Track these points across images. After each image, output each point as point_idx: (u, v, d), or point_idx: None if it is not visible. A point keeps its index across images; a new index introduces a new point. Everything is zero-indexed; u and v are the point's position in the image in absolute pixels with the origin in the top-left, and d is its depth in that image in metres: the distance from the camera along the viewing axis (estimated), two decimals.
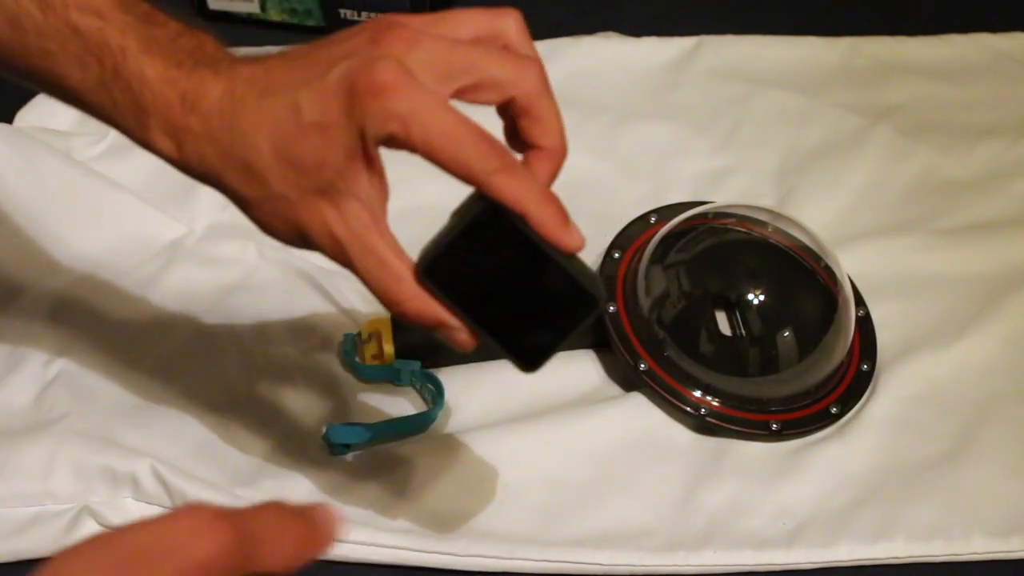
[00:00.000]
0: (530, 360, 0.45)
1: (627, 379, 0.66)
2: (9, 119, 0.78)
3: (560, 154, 0.45)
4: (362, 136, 0.40)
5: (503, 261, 0.43)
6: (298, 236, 0.43)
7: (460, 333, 0.44)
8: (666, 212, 0.71)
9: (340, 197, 0.42)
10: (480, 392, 0.65)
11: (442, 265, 0.42)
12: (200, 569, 0.27)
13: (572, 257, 0.43)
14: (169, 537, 0.28)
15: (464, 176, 0.41)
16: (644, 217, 0.72)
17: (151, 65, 0.43)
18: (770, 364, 0.65)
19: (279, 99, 0.41)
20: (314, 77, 0.41)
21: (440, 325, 0.44)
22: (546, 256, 0.42)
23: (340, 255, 0.43)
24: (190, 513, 0.29)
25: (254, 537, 0.30)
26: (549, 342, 0.45)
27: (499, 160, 0.41)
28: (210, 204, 0.75)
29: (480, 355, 0.66)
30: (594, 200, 0.76)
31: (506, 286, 0.43)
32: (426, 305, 0.43)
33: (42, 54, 0.44)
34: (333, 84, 0.40)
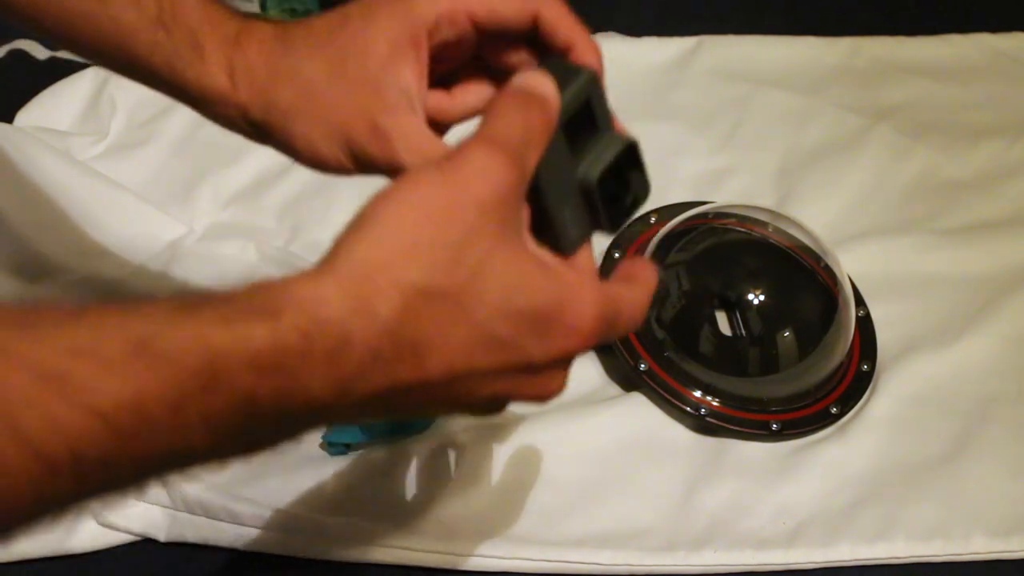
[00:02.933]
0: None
1: (627, 379, 0.66)
2: (9, 119, 0.78)
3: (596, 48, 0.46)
4: (410, 21, 0.42)
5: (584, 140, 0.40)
6: (342, 140, 0.43)
7: None
8: (666, 212, 0.71)
9: (384, 88, 0.42)
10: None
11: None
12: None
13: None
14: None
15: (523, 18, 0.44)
16: (644, 217, 0.72)
17: (209, 4, 0.45)
18: (770, 364, 0.65)
19: (330, 17, 0.44)
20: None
21: None
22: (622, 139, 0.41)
23: (384, 148, 0.43)
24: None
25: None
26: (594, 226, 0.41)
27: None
28: (210, 204, 0.75)
29: None
30: None
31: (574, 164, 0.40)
32: None
33: None
34: None
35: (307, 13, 0.91)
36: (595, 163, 0.40)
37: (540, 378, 0.37)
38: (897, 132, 0.83)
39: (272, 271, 0.71)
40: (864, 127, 0.84)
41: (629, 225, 0.71)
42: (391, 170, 0.43)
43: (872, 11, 0.97)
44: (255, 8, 0.92)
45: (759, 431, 0.63)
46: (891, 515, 0.60)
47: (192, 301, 0.32)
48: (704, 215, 0.69)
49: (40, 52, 0.88)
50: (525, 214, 0.38)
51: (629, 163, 0.41)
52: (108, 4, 0.45)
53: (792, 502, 0.60)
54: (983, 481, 0.61)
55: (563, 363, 0.37)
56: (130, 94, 0.82)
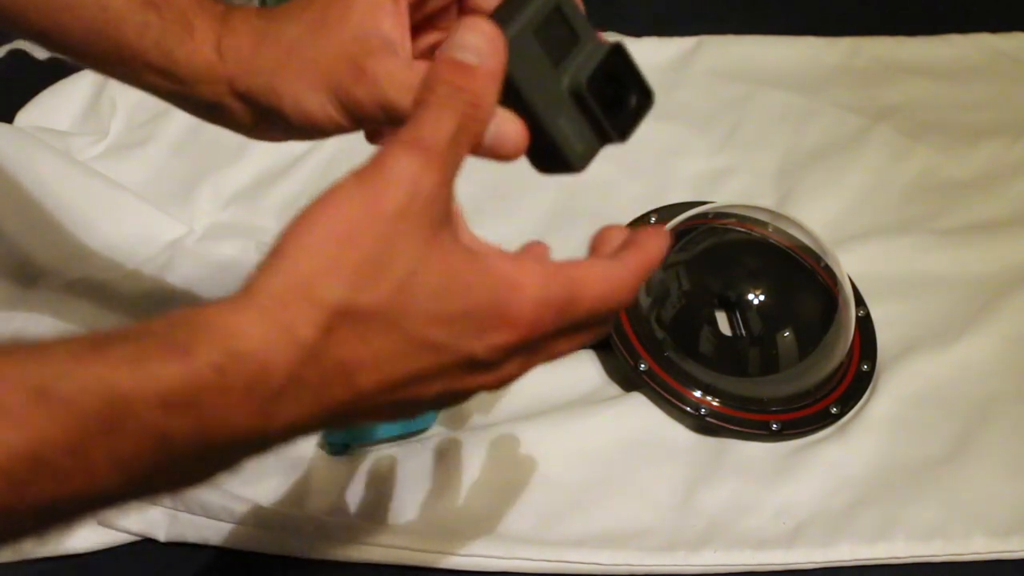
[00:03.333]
0: (576, 160, 0.40)
1: (627, 379, 0.66)
2: (9, 119, 0.78)
3: None
4: None
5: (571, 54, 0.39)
6: (329, 90, 0.43)
7: (509, 123, 0.39)
8: (666, 212, 0.71)
9: (366, 37, 0.43)
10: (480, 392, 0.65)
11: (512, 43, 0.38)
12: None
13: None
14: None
15: None
16: (644, 217, 0.72)
17: None
18: (770, 364, 0.65)
19: None
20: None
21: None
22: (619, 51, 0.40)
23: (372, 89, 0.42)
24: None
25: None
26: (597, 143, 0.41)
27: None
28: (210, 204, 0.75)
29: None
30: (594, 200, 0.76)
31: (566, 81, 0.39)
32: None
33: None
34: None
35: None
36: (581, 69, 0.39)
37: (491, 371, 0.36)
38: (897, 132, 0.83)
39: None
40: (864, 127, 0.84)
41: (629, 225, 0.71)
42: (384, 112, 0.43)
43: (872, 11, 0.97)
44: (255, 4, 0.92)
45: (759, 431, 0.63)
46: (891, 515, 0.60)
47: (102, 338, 0.30)
48: (704, 215, 0.69)
49: (40, 52, 0.88)
50: (456, 207, 0.38)
51: (621, 69, 0.40)
52: None
53: (792, 502, 0.60)
54: (983, 481, 0.61)
55: (514, 352, 0.36)
56: (130, 94, 0.82)
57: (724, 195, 0.78)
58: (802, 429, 0.64)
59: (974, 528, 0.59)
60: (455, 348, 0.34)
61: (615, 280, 0.38)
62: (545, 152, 0.39)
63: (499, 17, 0.38)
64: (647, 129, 0.89)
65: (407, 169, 0.33)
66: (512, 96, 0.37)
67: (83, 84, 0.82)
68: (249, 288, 0.32)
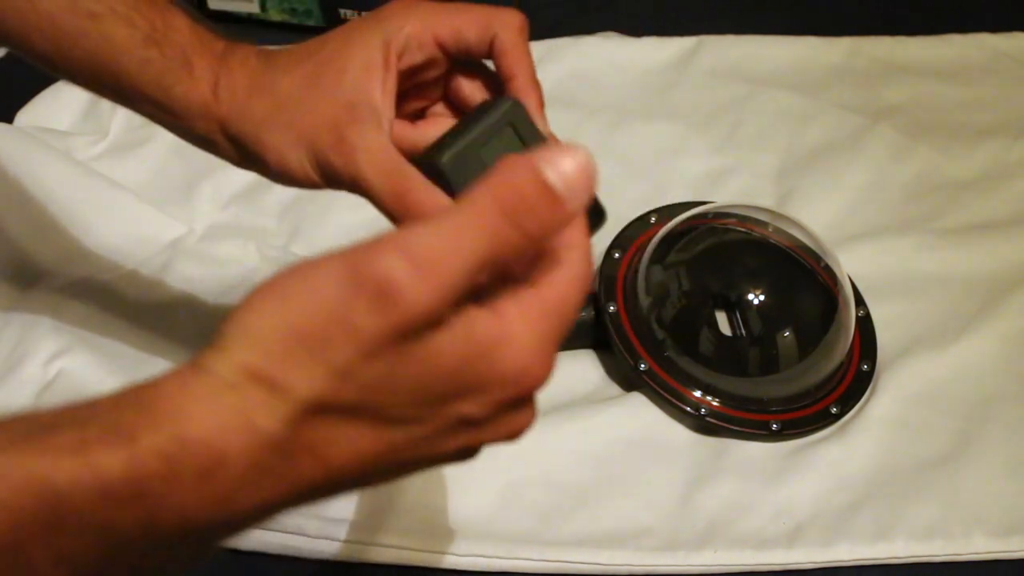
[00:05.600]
0: None
1: (627, 379, 0.66)
2: (9, 119, 0.78)
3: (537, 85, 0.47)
4: (383, 41, 0.45)
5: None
6: (309, 151, 0.45)
7: None
8: (666, 212, 0.71)
9: (354, 104, 0.44)
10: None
11: (453, 159, 0.41)
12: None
13: None
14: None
15: (482, 47, 0.46)
16: (644, 217, 0.72)
17: (197, 23, 0.48)
18: (770, 364, 0.65)
19: (310, 41, 0.47)
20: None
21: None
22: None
23: (347, 160, 0.44)
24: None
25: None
26: None
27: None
28: (210, 204, 0.75)
29: None
30: None
31: None
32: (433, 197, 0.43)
33: (89, 16, 0.47)
34: (353, 24, 0.46)
35: (307, 13, 0.91)
36: None
37: (498, 423, 0.33)
38: (897, 132, 0.83)
39: (272, 271, 0.71)
40: (864, 127, 0.84)
41: (629, 226, 0.71)
42: (353, 185, 0.45)
43: (872, 11, 0.97)
44: (255, 8, 0.92)
45: (759, 431, 0.63)
46: (891, 515, 0.60)
47: (46, 422, 0.28)
48: (704, 215, 0.69)
49: None
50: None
51: None
52: (101, 21, 0.47)
53: (792, 502, 0.60)
54: (983, 481, 0.61)
55: (520, 403, 0.33)
56: None
57: (724, 195, 0.78)
58: (802, 429, 0.64)
59: (974, 528, 0.59)
60: (448, 415, 0.31)
61: (575, 276, 0.33)
62: None
63: (454, 131, 0.41)
64: (647, 129, 0.89)
65: (387, 270, 0.28)
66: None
67: None
68: (207, 356, 0.29)
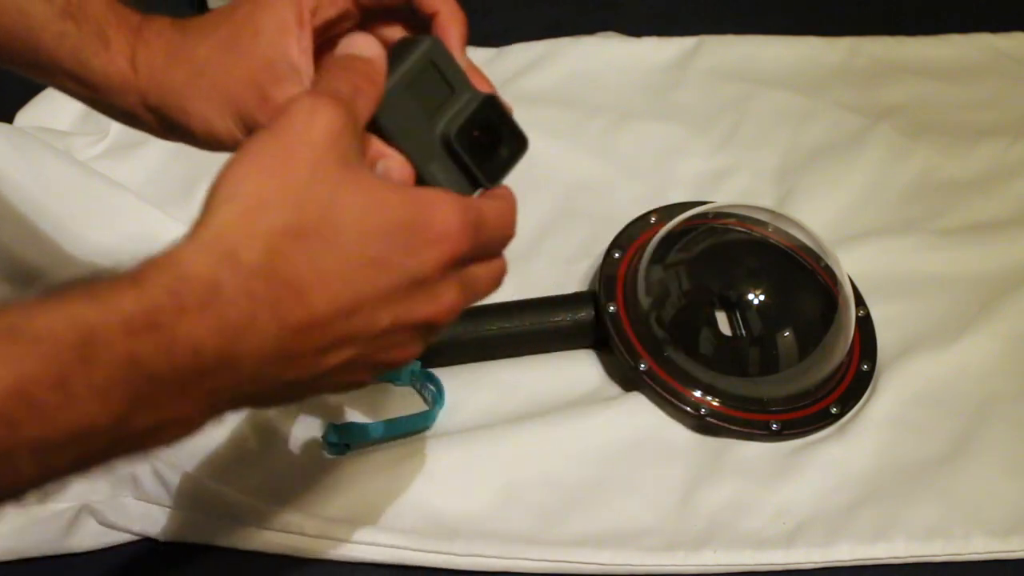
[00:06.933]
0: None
1: (627, 379, 0.66)
2: (9, 119, 0.78)
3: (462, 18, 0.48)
4: (295, 1, 0.45)
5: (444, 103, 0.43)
6: (235, 113, 0.45)
7: (394, 161, 0.42)
8: (666, 212, 0.71)
9: (273, 63, 0.45)
10: (480, 392, 0.65)
11: (383, 109, 0.42)
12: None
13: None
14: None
15: None
16: (644, 217, 0.72)
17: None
18: (770, 364, 0.65)
19: (221, 10, 0.47)
20: None
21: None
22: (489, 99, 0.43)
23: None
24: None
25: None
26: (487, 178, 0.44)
27: None
28: None
29: (480, 355, 0.66)
30: (594, 200, 0.76)
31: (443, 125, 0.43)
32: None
33: None
34: None
35: None
36: (453, 119, 0.42)
37: (430, 292, 0.38)
38: (897, 132, 0.83)
39: None
40: (864, 127, 0.84)
41: (629, 225, 0.71)
42: None
43: (872, 11, 0.97)
44: None
45: (759, 431, 0.63)
46: (891, 515, 0.60)
47: (60, 286, 0.32)
48: (704, 215, 0.69)
49: None
50: (374, 146, 0.41)
51: (494, 118, 0.44)
52: None
53: (792, 502, 0.60)
54: (983, 481, 0.61)
55: (447, 271, 0.38)
56: None
57: (724, 195, 0.77)
58: (802, 429, 0.64)
59: (974, 528, 0.59)
60: (393, 265, 0.36)
61: (504, 212, 0.41)
62: None
63: None
64: (647, 129, 0.89)
65: (315, 108, 0.36)
66: (392, 145, 0.41)
67: None
68: (188, 234, 0.35)
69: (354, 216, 0.36)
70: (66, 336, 0.31)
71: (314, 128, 0.36)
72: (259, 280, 0.34)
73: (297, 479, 0.59)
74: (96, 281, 0.33)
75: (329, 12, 0.46)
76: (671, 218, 0.69)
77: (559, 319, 0.66)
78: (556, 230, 0.74)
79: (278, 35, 0.45)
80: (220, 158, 0.79)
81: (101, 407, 0.31)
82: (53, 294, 0.32)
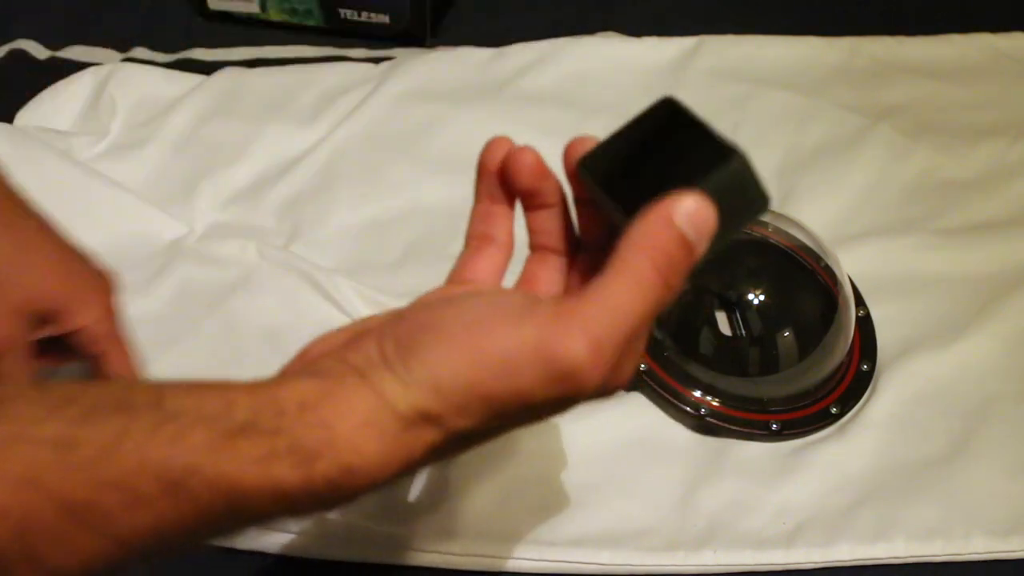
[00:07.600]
0: None
1: None
2: (9, 119, 0.78)
3: None
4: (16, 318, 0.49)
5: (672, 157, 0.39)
6: None
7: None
8: None
9: None
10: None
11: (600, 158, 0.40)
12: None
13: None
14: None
15: None
16: None
17: None
18: (770, 364, 0.65)
19: None
20: None
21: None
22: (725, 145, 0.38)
23: None
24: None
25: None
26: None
27: None
28: (210, 204, 0.75)
29: None
30: None
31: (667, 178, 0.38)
32: None
33: None
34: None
35: (308, 13, 0.91)
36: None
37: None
38: (897, 132, 0.83)
39: (272, 271, 0.71)
40: (864, 127, 0.84)
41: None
42: None
43: (872, 11, 0.97)
44: (255, 8, 0.92)
45: (759, 431, 0.63)
46: (891, 515, 0.60)
47: (237, 427, 0.32)
48: None
49: (40, 52, 0.88)
50: None
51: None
52: None
53: (792, 502, 0.60)
54: (983, 481, 0.61)
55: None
56: (130, 94, 0.82)
57: None
58: (802, 429, 0.64)
59: (974, 528, 0.59)
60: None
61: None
62: None
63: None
64: None
65: (575, 360, 0.34)
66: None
67: (83, 84, 0.82)
68: (384, 392, 0.34)
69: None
70: (220, 503, 0.32)
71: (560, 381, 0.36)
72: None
73: None
74: (276, 434, 0.33)
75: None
76: None
77: None
78: None
79: None
80: (220, 158, 0.79)
81: (204, 537, 0.34)
82: (230, 436, 0.33)
